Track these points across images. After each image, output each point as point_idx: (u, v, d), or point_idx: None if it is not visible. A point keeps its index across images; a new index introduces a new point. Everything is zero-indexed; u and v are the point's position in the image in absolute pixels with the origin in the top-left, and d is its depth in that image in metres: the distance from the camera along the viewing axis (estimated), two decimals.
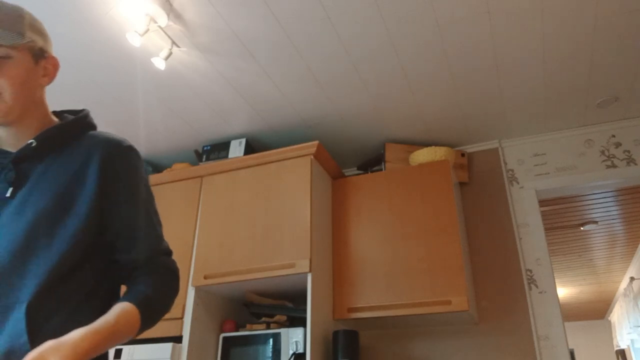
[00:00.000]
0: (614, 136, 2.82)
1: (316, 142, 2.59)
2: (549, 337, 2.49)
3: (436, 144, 3.00)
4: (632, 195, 3.79)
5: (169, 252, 1.03)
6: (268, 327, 2.46)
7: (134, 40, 2.00)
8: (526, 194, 2.85)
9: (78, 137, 1.01)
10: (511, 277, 2.66)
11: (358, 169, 3.18)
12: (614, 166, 2.76)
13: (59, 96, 2.51)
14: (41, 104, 1.01)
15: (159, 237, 1.02)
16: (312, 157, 2.60)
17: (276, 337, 2.36)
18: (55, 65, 1.02)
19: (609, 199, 3.89)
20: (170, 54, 2.14)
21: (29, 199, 0.91)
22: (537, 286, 2.62)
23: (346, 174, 3.22)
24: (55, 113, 1.08)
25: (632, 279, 5.74)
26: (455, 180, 2.79)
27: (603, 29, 2.13)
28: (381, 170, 2.96)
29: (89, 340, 0.76)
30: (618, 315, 7.15)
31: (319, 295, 2.38)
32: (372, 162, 3.06)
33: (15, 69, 0.93)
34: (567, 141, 2.90)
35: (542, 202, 2.94)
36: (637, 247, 5.11)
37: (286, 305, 2.60)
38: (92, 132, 1.04)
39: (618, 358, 7.47)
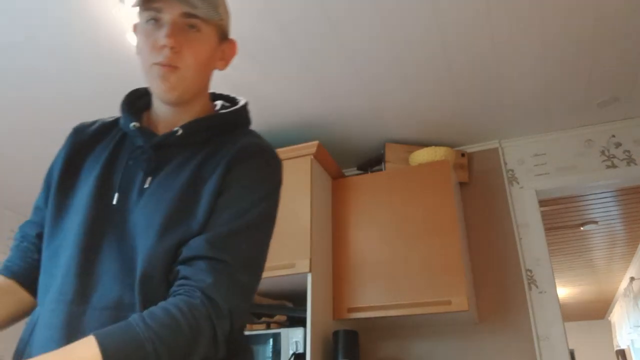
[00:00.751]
0: (614, 136, 2.82)
1: (316, 142, 2.59)
2: (549, 337, 2.49)
3: (436, 144, 3.00)
4: (632, 195, 3.79)
5: (218, 257, 0.75)
6: (268, 327, 2.46)
7: (134, 40, 2.00)
8: (526, 194, 2.85)
9: (228, 132, 0.89)
10: (511, 277, 2.66)
11: (358, 169, 3.18)
12: (614, 166, 2.76)
13: (58, 96, 2.51)
14: (207, 88, 0.92)
15: (240, 279, 0.76)
16: (312, 157, 2.60)
17: (276, 337, 2.36)
18: (233, 51, 0.92)
19: (609, 199, 3.89)
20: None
21: (157, 192, 0.81)
22: (537, 286, 2.62)
23: (346, 174, 3.22)
24: (213, 96, 0.98)
25: (632, 279, 5.74)
26: (455, 180, 2.79)
27: (603, 29, 2.13)
28: (381, 170, 2.96)
29: None
30: (618, 315, 7.16)
31: (319, 295, 2.38)
32: (372, 162, 3.06)
33: (202, 45, 0.84)
34: (567, 141, 2.90)
35: (542, 202, 2.94)
36: (637, 247, 5.11)
37: (286, 305, 2.60)
38: (244, 131, 0.91)
39: (618, 358, 7.47)
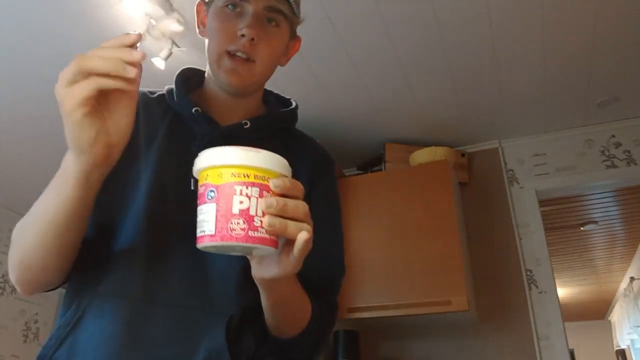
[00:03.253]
0: (614, 136, 2.82)
1: None
2: (549, 337, 2.49)
3: (436, 144, 3.00)
4: (632, 195, 3.79)
5: (338, 293, 0.86)
6: None
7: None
8: (526, 194, 2.85)
9: (286, 130, 0.90)
10: (511, 277, 2.66)
11: (358, 169, 3.18)
12: (614, 166, 2.76)
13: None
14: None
15: (343, 269, 0.87)
16: None
17: None
18: (296, 49, 0.90)
19: (609, 199, 3.89)
20: (170, 54, 2.13)
21: None
22: (537, 286, 2.62)
23: (346, 174, 3.22)
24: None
25: (632, 279, 5.74)
26: (455, 180, 2.79)
27: (603, 29, 2.13)
28: (381, 170, 2.96)
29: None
30: (618, 315, 7.16)
31: None
32: (372, 162, 3.06)
33: (279, 41, 0.82)
34: (567, 141, 2.90)
35: (542, 202, 2.94)
36: (637, 247, 5.11)
37: None
38: (297, 131, 0.93)
39: (618, 358, 7.47)
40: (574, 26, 2.12)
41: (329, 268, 0.83)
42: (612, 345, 7.97)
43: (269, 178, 0.53)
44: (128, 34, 0.55)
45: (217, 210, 0.52)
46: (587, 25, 2.11)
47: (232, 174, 0.53)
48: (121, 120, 0.59)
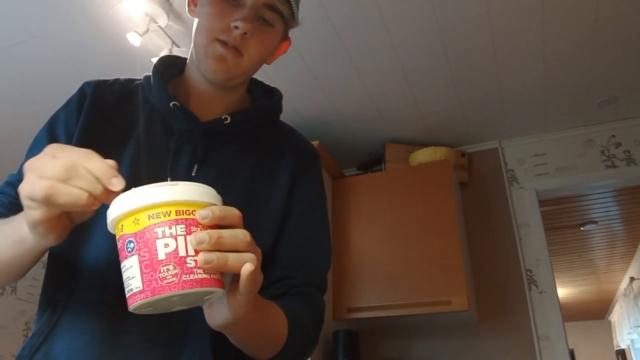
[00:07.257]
0: (614, 136, 2.82)
1: (316, 142, 2.59)
2: (549, 337, 2.49)
3: (436, 144, 3.00)
4: (632, 195, 3.79)
5: (325, 289, 0.83)
6: None
7: (134, 40, 2.00)
8: (526, 194, 2.85)
9: (269, 123, 0.88)
10: (511, 277, 2.66)
11: (358, 169, 3.18)
12: (614, 166, 2.76)
13: (58, 95, 2.51)
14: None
15: (329, 265, 0.84)
16: None
17: None
18: (285, 50, 0.88)
19: (609, 199, 3.89)
20: (170, 54, 2.13)
21: (212, 184, 0.72)
22: (537, 286, 2.62)
23: (346, 174, 3.21)
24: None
25: (632, 279, 5.74)
26: (456, 180, 2.79)
27: (603, 29, 2.13)
28: (381, 170, 2.96)
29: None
30: (618, 315, 7.15)
31: None
32: (372, 162, 3.06)
33: (271, 41, 0.80)
34: (567, 141, 2.90)
35: (542, 202, 2.94)
36: (637, 247, 5.11)
37: None
38: (281, 123, 0.91)
39: (618, 358, 7.47)
40: (573, 26, 2.12)
41: (312, 264, 0.79)
42: (612, 345, 7.97)
43: (194, 211, 0.46)
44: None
45: (140, 262, 0.45)
46: (587, 25, 2.11)
47: (149, 215, 0.45)
48: (85, 215, 0.56)
